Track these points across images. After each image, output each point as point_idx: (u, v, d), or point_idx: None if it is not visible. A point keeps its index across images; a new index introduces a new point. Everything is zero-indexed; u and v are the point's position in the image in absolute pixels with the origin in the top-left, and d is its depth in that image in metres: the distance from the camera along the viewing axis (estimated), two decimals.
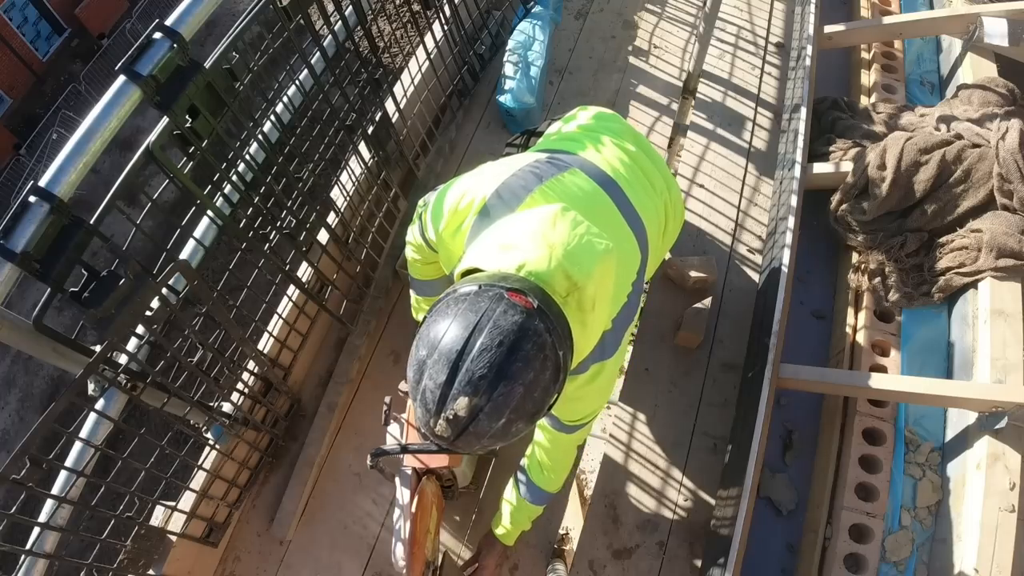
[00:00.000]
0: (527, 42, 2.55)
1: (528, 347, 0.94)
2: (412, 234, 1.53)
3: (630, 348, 1.89)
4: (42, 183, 1.15)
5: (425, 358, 0.96)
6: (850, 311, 1.88)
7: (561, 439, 1.42)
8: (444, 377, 0.93)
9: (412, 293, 1.71)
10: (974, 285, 1.75)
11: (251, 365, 1.79)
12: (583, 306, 1.05)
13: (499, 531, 1.63)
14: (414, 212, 1.52)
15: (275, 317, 1.92)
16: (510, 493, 1.60)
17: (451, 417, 0.93)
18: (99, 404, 1.40)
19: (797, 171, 1.94)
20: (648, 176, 1.40)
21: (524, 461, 1.54)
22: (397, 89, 2.23)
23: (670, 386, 1.99)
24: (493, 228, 1.15)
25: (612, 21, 2.88)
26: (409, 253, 1.59)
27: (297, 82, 1.75)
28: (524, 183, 1.20)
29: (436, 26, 2.42)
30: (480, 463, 1.92)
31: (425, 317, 1.01)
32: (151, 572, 1.66)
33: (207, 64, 1.36)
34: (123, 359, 1.40)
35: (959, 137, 1.88)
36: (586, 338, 1.10)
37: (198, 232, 1.67)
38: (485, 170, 1.28)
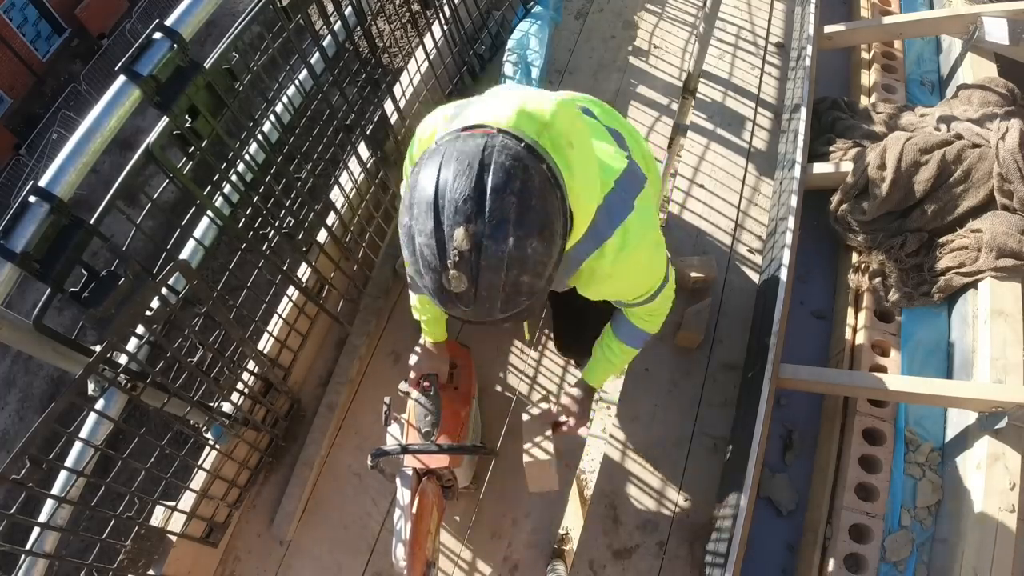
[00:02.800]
0: (527, 42, 2.54)
1: (501, 159, 0.87)
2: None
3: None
4: (42, 183, 1.15)
5: (409, 221, 0.89)
6: (850, 311, 1.88)
7: (659, 305, 1.36)
8: (432, 223, 0.86)
9: (411, 296, 1.70)
10: (974, 285, 1.75)
11: (251, 365, 1.79)
12: (558, 144, 0.98)
13: (590, 373, 1.56)
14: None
15: (275, 317, 1.92)
16: (609, 340, 1.50)
17: (457, 259, 0.85)
18: (99, 404, 1.40)
19: (797, 171, 1.94)
20: (609, 112, 1.39)
21: (622, 310, 1.44)
22: (396, 89, 2.23)
23: (670, 386, 1.99)
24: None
25: (612, 21, 2.88)
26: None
27: (297, 82, 1.75)
28: (481, 96, 1.15)
29: (436, 26, 2.42)
30: (480, 463, 1.92)
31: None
32: (151, 572, 1.66)
33: (207, 64, 1.36)
34: (123, 359, 1.40)
35: (959, 137, 1.88)
36: (580, 183, 1.01)
37: (198, 232, 1.67)
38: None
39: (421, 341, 1.73)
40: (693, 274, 2.06)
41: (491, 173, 0.86)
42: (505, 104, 1.00)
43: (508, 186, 0.86)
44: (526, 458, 1.57)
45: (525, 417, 1.62)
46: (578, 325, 1.70)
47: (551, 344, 2.11)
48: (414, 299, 1.67)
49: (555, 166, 0.95)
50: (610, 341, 1.50)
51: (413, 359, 1.72)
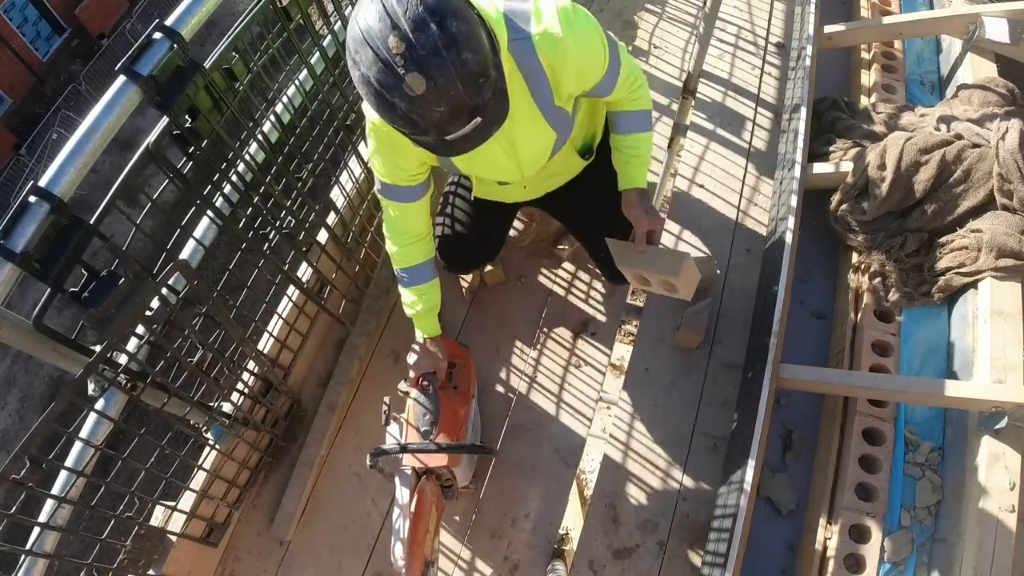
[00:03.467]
0: None
1: None
2: (385, 208, 1.57)
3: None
4: (42, 183, 1.16)
5: (361, 71, 1.02)
6: (850, 311, 1.88)
7: (627, 71, 1.47)
8: (370, 52, 1.00)
9: (403, 291, 1.70)
10: (974, 285, 1.74)
11: (251, 365, 1.79)
12: None
13: (628, 179, 1.61)
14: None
15: (275, 317, 1.92)
16: (615, 145, 1.61)
17: (401, 63, 0.98)
18: (99, 404, 1.40)
19: (797, 171, 1.94)
20: None
21: (617, 110, 1.57)
22: None
23: (670, 386, 1.99)
24: None
25: (612, 21, 2.88)
26: (394, 229, 1.60)
27: (297, 82, 1.75)
28: None
29: None
30: (480, 463, 1.92)
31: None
32: (151, 572, 1.66)
33: (207, 64, 1.36)
34: (123, 359, 1.40)
35: (959, 137, 1.88)
36: None
37: (198, 232, 1.67)
38: None
39: (418, 339, 1.74)
40: None
41: None
42: None
43: None
44: (658, 270, 1.55)
45: (616, 252, 1.63)
46: (606, 225, 1.72)
47: (551, 344, 2.11)
48: (406, 298, 1.67)
49: None
50: (621, 141, 1.59)
51: (412, 358, 1.72)
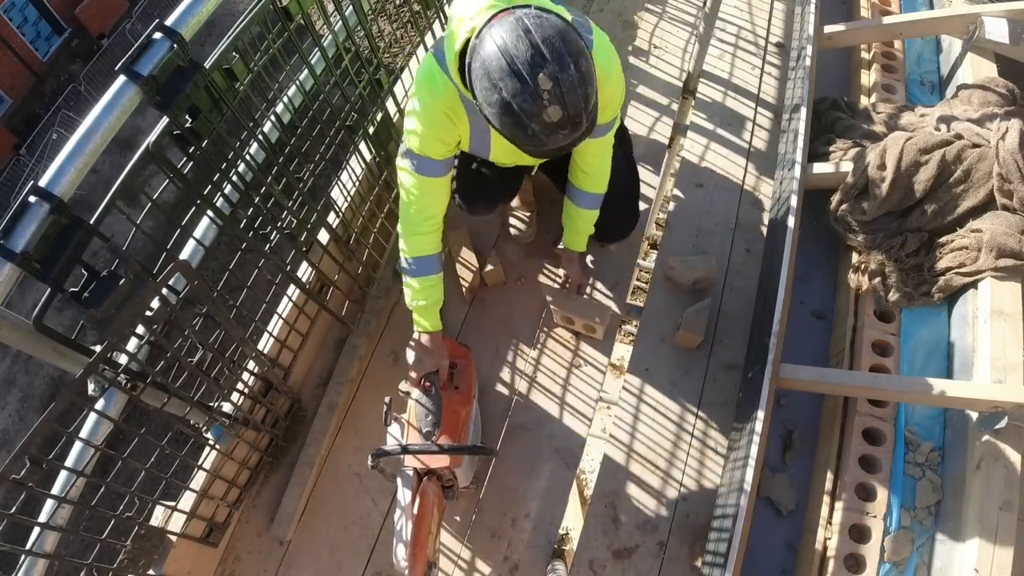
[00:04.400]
0: None
1: (531, 17, 1.21)
2: (409, 180, 1.62)
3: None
4: (42, 183, 1.16)
5: (499, 96, 1.20)
6: (850, 311, 1.88)
7: (607, 139, 1.70)
8: (517, 83, 1.17)
9: (409, 282, 1.70)
10: (974, 285, 1.75)
11: (251, 365, 1.79)
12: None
13: (571, 243, 1.96)
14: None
15: (275, 317, 1.92)
16: (578, 213, 1.86)
17: (547, 96, 1.16)
18: (99, 404, 1.40)
19: (797, 171, 1.94)
20: None
21: (572, 187, 1.83)
22: (398, 89, 2.23)
23: (670, 386, 1.99)
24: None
25: (612, 21, 2.88)
26: (410, 210, 1.65)
27: (297, 82, 1.75)
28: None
29: (436, 26, 2.42)
30: (480, 463, 1.92)
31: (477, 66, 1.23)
32: (151, 572, 1.66)
33: (207, 64, 1.36)
34: (123, 359, 1.40)
35: (959, 137, 1.88)
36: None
37: (198, 232, 1.67)
38: None
39: (415, 336, 1.74)
40: (693, 274, 2.06)
41: (533, 30, 1.17)
42: None
43: (547, 32, 1.18)
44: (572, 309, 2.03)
45: (549, 298, 2.06)
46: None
47: (551, 344, 2.11)
48: (410, 290, 1.68)
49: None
50: (577, 213, 1.87)
51: (410, 356, 1.72)
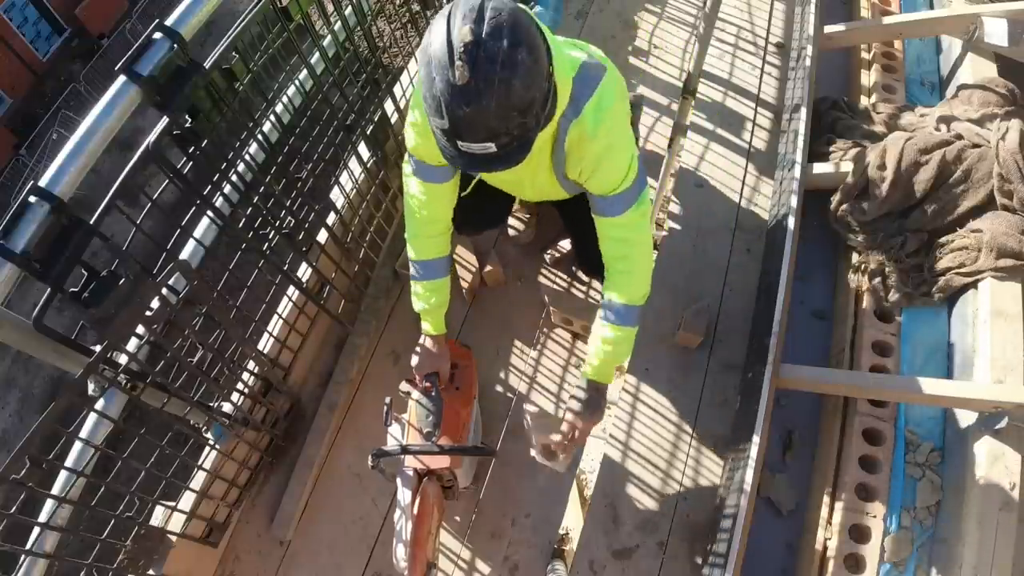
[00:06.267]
0: None
1: (498, 2, 1.09)
2: (411, 185, 1.57)
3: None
4: (42, 183, 1.16)
5: (427, 40, 1.10)
6: (850, 311, 1.88)
7: (629, 221, 1.42)
8: (443, 32, 1.06)
9: (415, 284, 1.69)
10: (974, 285, 1.74)
11: (251, 365, 1.79)
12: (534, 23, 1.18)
13: (597, 375, 1.52)
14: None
15: (275, 317, 1.92)
16: (601, 331, 1.49)
17: (461, 50, 1.04)
18: (99, 404, 1.40)
19: (797, 171, 1.93)
20: None
21: (605, 298, 1.49)
22: (396, 89, 2.23)
23: (670, 386, 1.99)
24: None
25: (612, 21, 2.87)
26: (414, 213, 1.59)
27: (297, 82, 1.75)
28: None
29: None
30: (480, 463, 1.92)
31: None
32: (151, 572, 1.66)
33: (207, 64, 1.36)
34: (123, 359, 1.40)
35: (959, 137, 1.88)
36: (557, 59, 1.21)
37: (198, 232, 1.67)
38: None
39: (421, 340, 1.74)
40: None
41: (490, 4, 1.08)
42: None
43: (503, 9, 1.08)
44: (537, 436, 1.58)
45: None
46: (594, 235, 1.65)
47: (551, 344, 2.11)
48: (416, 292, 1.67)
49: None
50: (602, 328, 1.49)
51: (415, 359, 1.72)
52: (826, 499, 1.64)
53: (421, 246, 1.62)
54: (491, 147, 1.14)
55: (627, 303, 1.46)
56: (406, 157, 1.57)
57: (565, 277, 2.21)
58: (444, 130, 1.14)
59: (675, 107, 2.59)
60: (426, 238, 1.62)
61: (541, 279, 2.21)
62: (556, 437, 1.54)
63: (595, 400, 1.53)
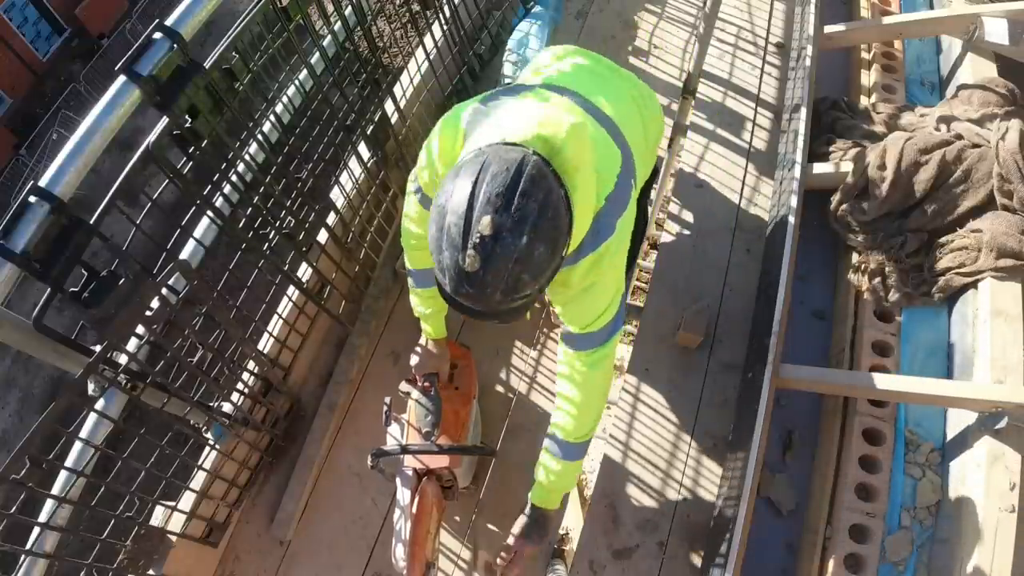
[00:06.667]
0: (527, 42, 2.54)
1: (533, 171, 1.03)
2: (410, 205, 1.51)
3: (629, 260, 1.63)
4: (42, 183, 1.15)
5: (445, 201, 1.04)
6: (850, 311, 1.88)
7: (589, 359, 1.37)
8: (465, 206, 1.01)
9: (412, 290, 1.69)
10: (974, 285, 1.74)
11: (251, 365, 1.79)
12: (566, 169, 1.11)
13: (542, 502, 1.51)
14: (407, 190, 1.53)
15: (275, 317, 1.92)
16: (546, 461, 1.49)
17: (477, 240, 0.99)
18: (99, 404, 1.40)
19: (797, 171, 1.93)
20: (609, 83, 1.51)
21: (551, 428, 1.48)
22: (396, 89, 2.23)
23: (670, 386, 1.99)
24: (475, 133, 1.21)
25: (612, 21, 2.87)
26: (409, 229, 1.55)
27: (297, 82, 1.75)
28: (496, 99, 1.29)
29: (436, 26, 2.42)
30: (480, 463, 1.92)
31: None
32: (151, 572, 1.66)
33: (207, 64, 1.36)
34: (123, 359, 1.40)
35: (959, 137, 1.88)
36: (577, 206, 1.13)
37: (198, 232, 1.67)
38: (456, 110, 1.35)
39: (421, 341, 1.74)
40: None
41: (524, 180, 1.02)
42: (522, 118, 1.16)
43: (535, 195, 1.02)
44: None
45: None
46: None
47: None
48: (416, 296, 1.67)
49: (567, 194, 1.10)
50: (549, 459, 1.47)
51: (414, 360, 1.72)
52: (826, 499, 1.64)
53: (417, 257, 1.61)
54: (484, 311, 1.11)
55: (573, 442, 1.46)
56: (412, 176, 1.51)
57: None
58: (443, 287, 1.10)
59: (675, 107, 2.59)
60: (422, 250, 1.60)
61: None
62: (501, 556, 1.52)
63: (540, 524, 1.52)
